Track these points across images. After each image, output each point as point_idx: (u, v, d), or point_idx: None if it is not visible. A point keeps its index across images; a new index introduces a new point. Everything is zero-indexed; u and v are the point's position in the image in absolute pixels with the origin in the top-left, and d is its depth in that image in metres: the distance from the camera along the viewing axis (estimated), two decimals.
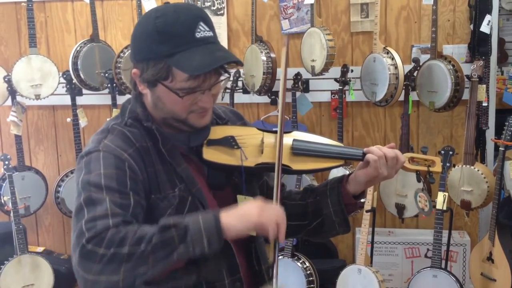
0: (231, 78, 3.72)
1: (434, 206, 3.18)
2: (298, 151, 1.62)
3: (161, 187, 1.50)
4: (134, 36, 1.52)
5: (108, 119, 1.64)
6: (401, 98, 3.42)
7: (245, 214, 1.40)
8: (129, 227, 1.34)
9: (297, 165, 1.60)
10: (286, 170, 1.60)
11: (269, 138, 1.62)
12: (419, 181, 1.74)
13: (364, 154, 1.61)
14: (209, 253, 1.37)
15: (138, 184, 1.45)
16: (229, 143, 1.58)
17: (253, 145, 1.60)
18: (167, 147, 1.54)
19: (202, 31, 1.46)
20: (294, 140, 1.63)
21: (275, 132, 1.61)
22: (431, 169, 1.67)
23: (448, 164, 3.14)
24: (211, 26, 1.50)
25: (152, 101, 1.54)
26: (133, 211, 1.41)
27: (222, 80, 1.53)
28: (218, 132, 1.61)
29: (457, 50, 3.62)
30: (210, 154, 1.57)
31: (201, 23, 1.46)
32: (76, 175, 1.48)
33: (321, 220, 1.69)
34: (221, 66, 1.49)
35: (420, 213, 3.38)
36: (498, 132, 3.33)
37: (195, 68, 1.43)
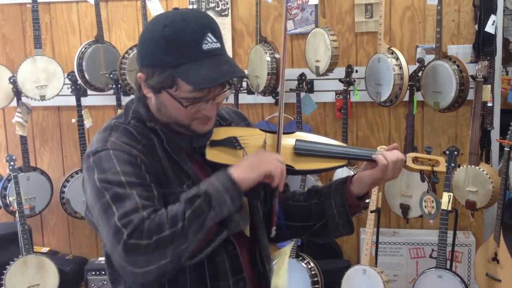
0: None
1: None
2: (301, 151, 1.62)
3: (169, 183, 1.50)
4: (141, 41, 1.52)
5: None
6: (406, 98, 3.41)
7: (253, 165, 1.46)
8: (158, 212, 1.37)
9: (300, 165, 1.61)
10: (289, 170, 1.59)
11: (272, 139, 1.63)
12: (423, 181, 1.74)
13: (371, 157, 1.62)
14: (235, 210, 1.44)
15: (154, 176, 1.47)
16: (232, 144, 1.58)
17: (255, 146, 1.60)
18: (172, 145, 1.54)
19: (210, 43, 1.46)
20: (297, 140, 1.64)
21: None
22: (435, 169, 1.66)
23: (453, 165, 3.13)
24: (219, 37, 1.49)
25: (156, 105, 1.54)
26: (158, 201, 1.43)
27: (226, 90, 1.53)
28: (221, 133, 1.61)
29: (461, 50, 3.62)
30: (213, 155, 1.57)
31: (209, 34, 1.46)
32: (87, 175, 1.46)
33: (325, 222, 1.69)
34: None
35: (426, 217, 3.36)
36: (503, 132, 3.32)
37: (200, 82, 1.43)
